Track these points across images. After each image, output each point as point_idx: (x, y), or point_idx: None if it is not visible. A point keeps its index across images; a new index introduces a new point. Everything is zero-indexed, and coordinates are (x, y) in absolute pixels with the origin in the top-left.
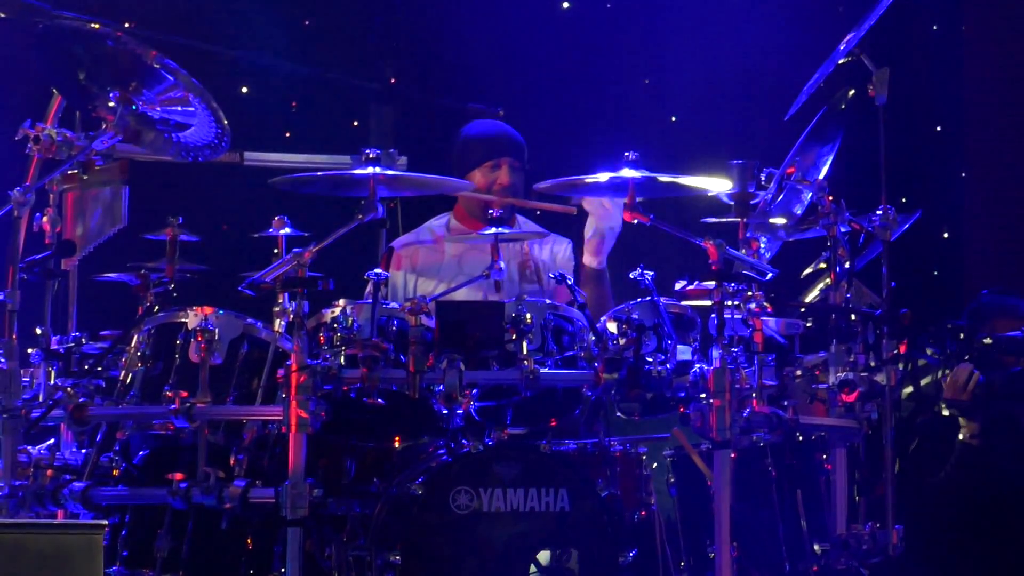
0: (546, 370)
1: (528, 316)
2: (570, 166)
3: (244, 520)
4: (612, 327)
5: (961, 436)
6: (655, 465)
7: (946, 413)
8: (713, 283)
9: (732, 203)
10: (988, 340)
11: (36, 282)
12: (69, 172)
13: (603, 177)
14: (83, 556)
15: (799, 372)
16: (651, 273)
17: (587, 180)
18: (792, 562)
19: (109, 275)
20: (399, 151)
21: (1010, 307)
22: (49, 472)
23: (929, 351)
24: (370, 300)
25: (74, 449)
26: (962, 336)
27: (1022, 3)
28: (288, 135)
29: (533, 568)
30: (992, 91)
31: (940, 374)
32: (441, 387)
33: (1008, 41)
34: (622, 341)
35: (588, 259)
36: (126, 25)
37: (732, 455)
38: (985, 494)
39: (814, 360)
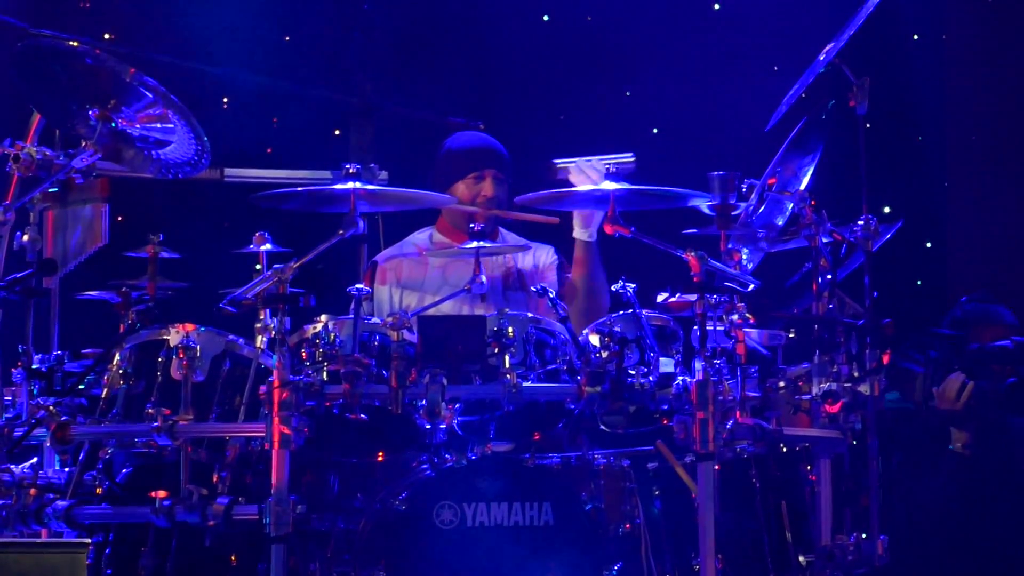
0: (529, 384)
1: (510, 330)
2: (551, 179)
3: (228, 537)
4: (595, 340)
5: (952, 446)
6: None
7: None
8: (695, 295)
9: (713, 215)
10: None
11: (17, 301)
12: (49, 190)
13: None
14: (67, 575)
15: (782, 383)
16: (633, 285)
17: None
18: (777, 573)
19: (90, 293)
20: (380, 166)
21: (994, 315)
22: (32, 491)
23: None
24: (352, 316)
25: (57, 468)
26: (948, 344)
27: (1002, 12)
28: (269, 151)
29: None
30: (973, 100)
31: (925, 382)
32: (424, 402)
33: (989, 50)
34: (605, 354)
35: (579, 232)
36: (105, 37)
37: (716, 467)
38: (975, 504)
39: (797, 371)
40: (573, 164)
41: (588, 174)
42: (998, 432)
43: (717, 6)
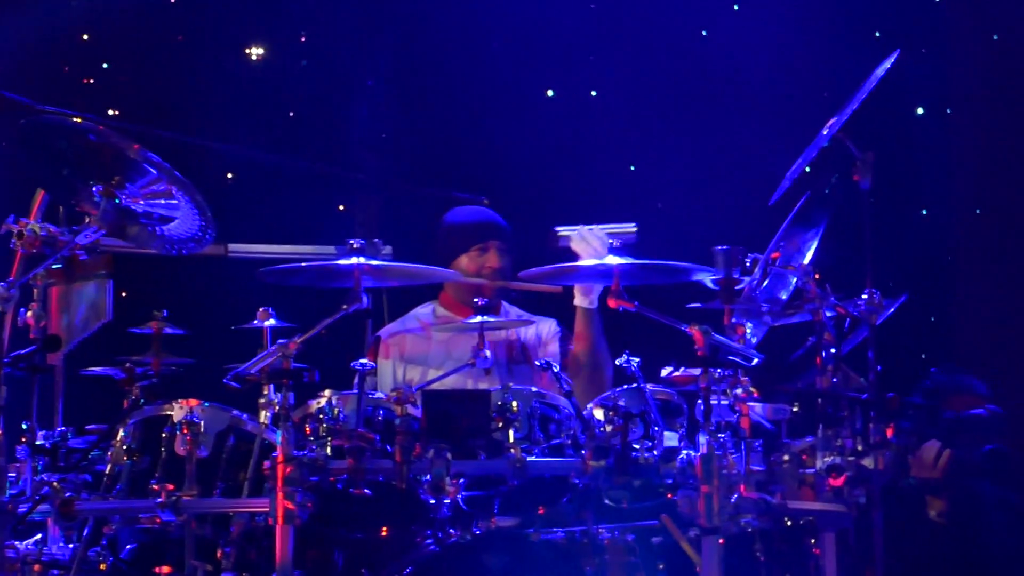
0: (533, 458)
1: (514, 404)
2: (553, 247)
3: None
4: (599, 414)
5: (929, 514)
6: None
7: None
8: (699, 369)
9: (717, 289)
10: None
11: (22, 377)
12: (53, 267)
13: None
14: None
15: (787, 457)
16: (637, 360)
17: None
18: None
19: (94, 369)
20: (384, 241)
21: (966, 385)
22: (37, 567)
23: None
24: (356, 391)
25: (61, 544)
26: (921, 413)
27: (1007, 85)
28: (273, 226)
29: None
30: (978, 174)
31: (899, 451)
32: (428, 477)
33: (993, 124)
34: (609, 428)
35: (579, 300)
36: (110, 113)
37: (721, 541)
38: (951, 572)
39: (802, 445)
40: (575, 232)
41: (590, 242)
42: (972, 500)
43: (721, 81)
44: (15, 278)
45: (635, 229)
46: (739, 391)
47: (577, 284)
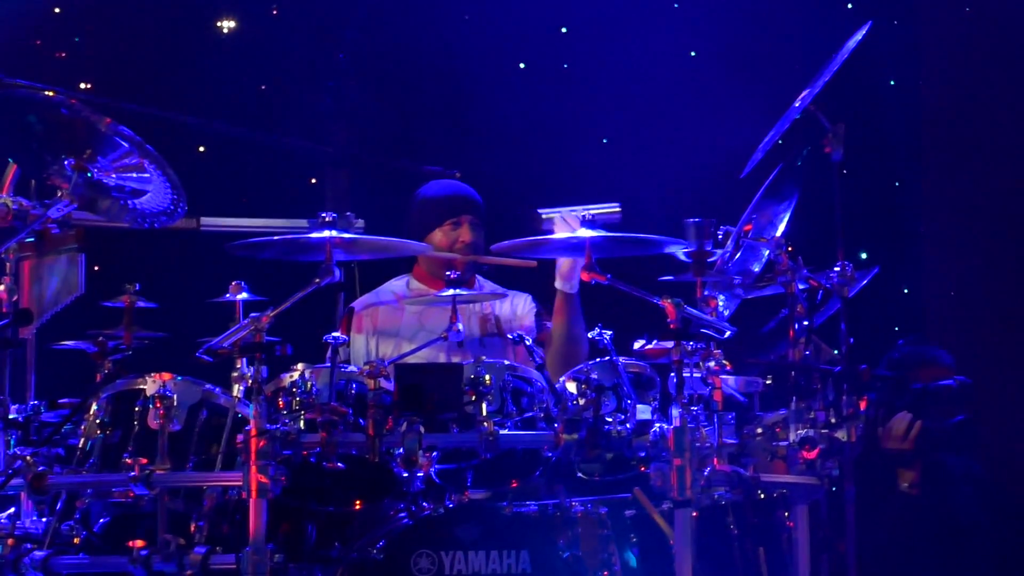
0: (505, 432)
1: (487, 377)
2: (528, 227)
3: None
4: (571, 387)
5: (900, 486)
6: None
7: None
8: (672, 342)
9: (690, 261)
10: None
11: None
12: (25, 240)
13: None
14: None
15: (759, 430)
16: (609, 333)
17: (549, 227)
18: None
19: (66, 343)
20: (356, 214)
21: (932, 356)
22: (10, 541)
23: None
24: (328, 364)
25: (34, 518)
26: (889, 385)
27: (978, 58)
28: (245, 200)
29: None
30: (949, 146)
31: (868, 423)
32: (401, 450)
33: (965, 96)
34: (581, 401)
35: (560, 283)
36: (81, 87)
37: (693, 514)
38: (923, 542)
39: (774, 418)
40: (558, 215)
41: (572, 226)
42: (941, 471)
43: (693, 53)
44: None
45: (618, 209)
46: (711, 364)
47: (558, 268)
